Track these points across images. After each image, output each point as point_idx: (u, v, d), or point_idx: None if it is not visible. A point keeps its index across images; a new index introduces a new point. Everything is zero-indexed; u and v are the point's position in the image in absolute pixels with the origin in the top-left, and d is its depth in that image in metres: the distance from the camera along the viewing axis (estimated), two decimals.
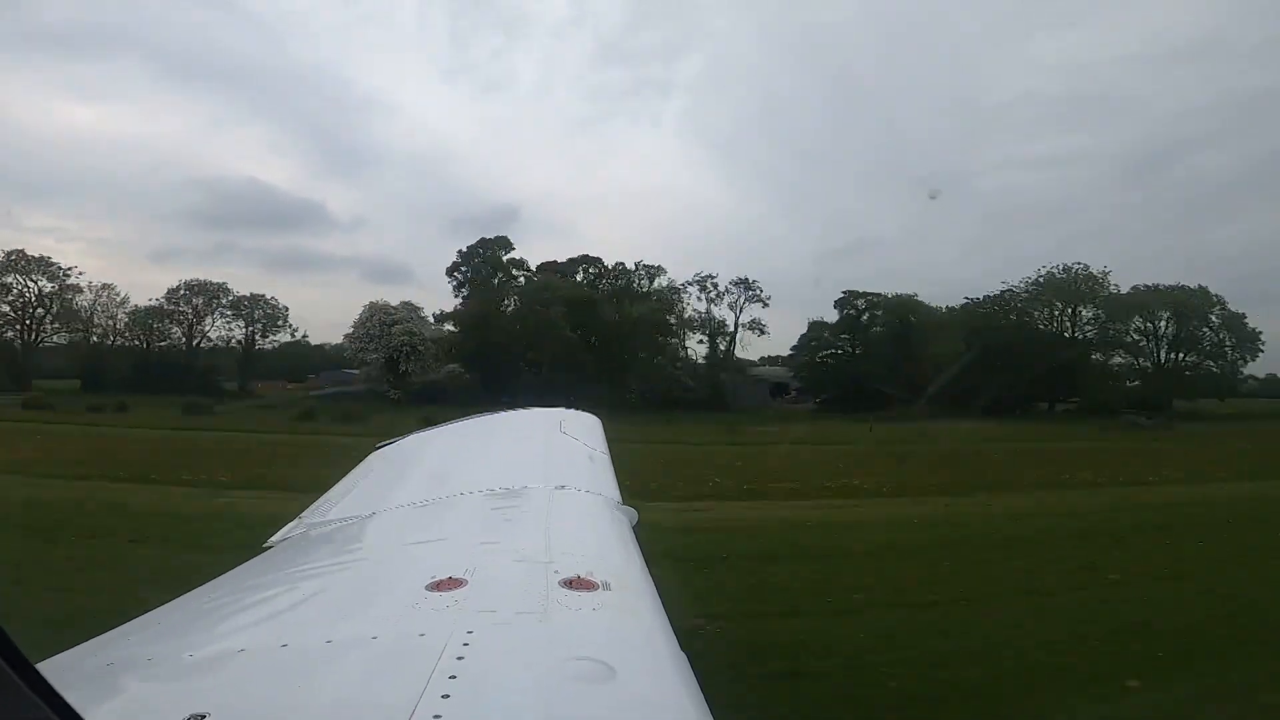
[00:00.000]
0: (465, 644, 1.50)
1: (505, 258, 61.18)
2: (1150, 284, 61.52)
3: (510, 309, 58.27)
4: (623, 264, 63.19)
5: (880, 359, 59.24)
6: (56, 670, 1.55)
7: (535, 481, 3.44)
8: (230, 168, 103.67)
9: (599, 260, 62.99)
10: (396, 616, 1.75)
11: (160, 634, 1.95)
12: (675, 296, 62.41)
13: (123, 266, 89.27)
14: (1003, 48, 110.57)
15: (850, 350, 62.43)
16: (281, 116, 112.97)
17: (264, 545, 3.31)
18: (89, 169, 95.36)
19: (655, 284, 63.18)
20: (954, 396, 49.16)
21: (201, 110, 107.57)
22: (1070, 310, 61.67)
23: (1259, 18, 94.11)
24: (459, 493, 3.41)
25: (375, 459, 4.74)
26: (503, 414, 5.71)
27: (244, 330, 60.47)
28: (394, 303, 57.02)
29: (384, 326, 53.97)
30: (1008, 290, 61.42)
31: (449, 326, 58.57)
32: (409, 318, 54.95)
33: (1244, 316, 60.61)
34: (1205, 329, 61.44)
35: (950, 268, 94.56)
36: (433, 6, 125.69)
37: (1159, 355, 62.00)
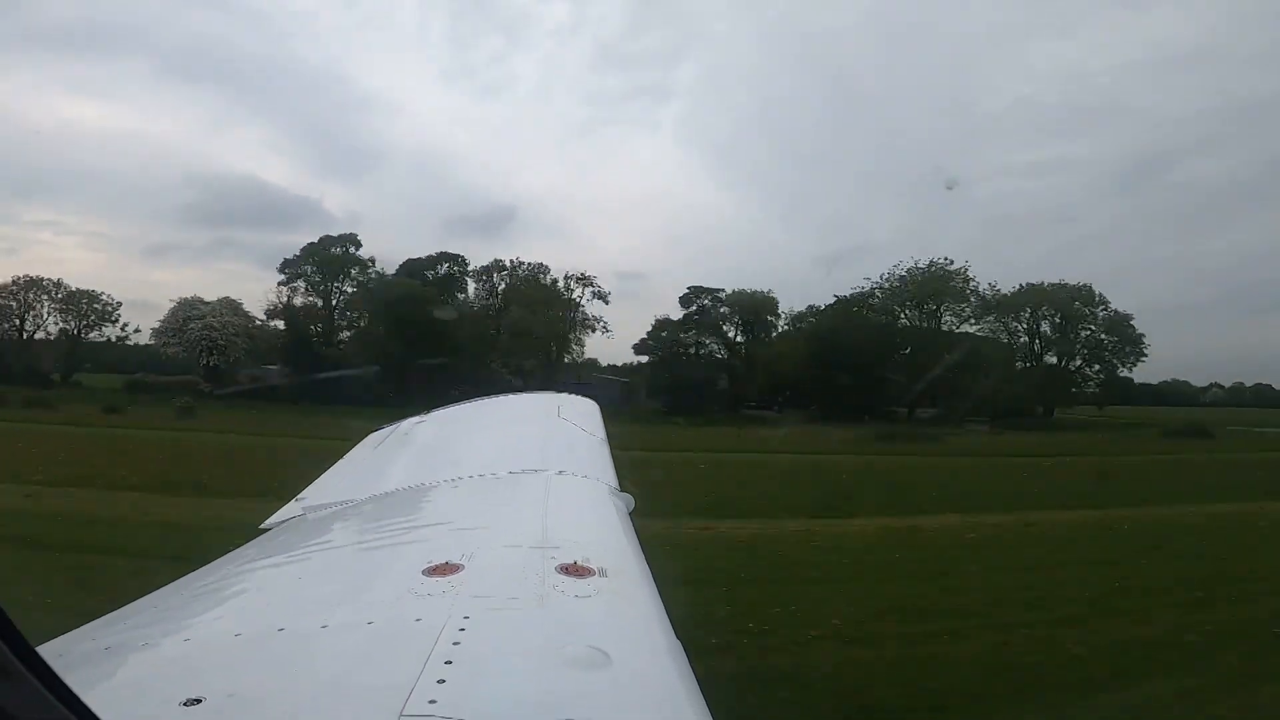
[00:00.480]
0: (461, 629, 1.51)
1: (354, 254, 59.77)
2: (1033, 282, 57.72)
3: (341, 307, 57.77)
4: (500, 261, 61.82)
5: (719, 360, 57.51)
6: (53, 654, 1.55)
7: (533, 466, 3.43)
8: (228, 165, 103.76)
9: (459, 257, 61.64)
10: (393, 601, 1.75)
11: (157, 618, 1.95)
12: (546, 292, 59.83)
13: (119, 262, 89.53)
14: (1001, 54, 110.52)
15: (695, 350, 59.32)
16: (281, 115, 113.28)
17: (260, 527, 3.32)
18: (89, 164, 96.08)
19: (544, 282, 61.15)
20: (813, 399, 48.06)
21: (201, 107, 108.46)
22: (935, 308, 57.78)
23: (1257, 25, 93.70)
24: (456, 477, 3.41)
25: (372, 442, 4.74)
26: (501, 398, 5.71)
27: (73, 324, 59.84)
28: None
29: (186, 321, 53.75)
30: (876, 286, 58.18)
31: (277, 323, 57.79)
32: (221, 312, 54.39)
33: (1130, 318, 57.05)
34: (1085, 330, 57.81)
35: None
36: (434, 9, 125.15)
37: (1034, 357, 57.84)
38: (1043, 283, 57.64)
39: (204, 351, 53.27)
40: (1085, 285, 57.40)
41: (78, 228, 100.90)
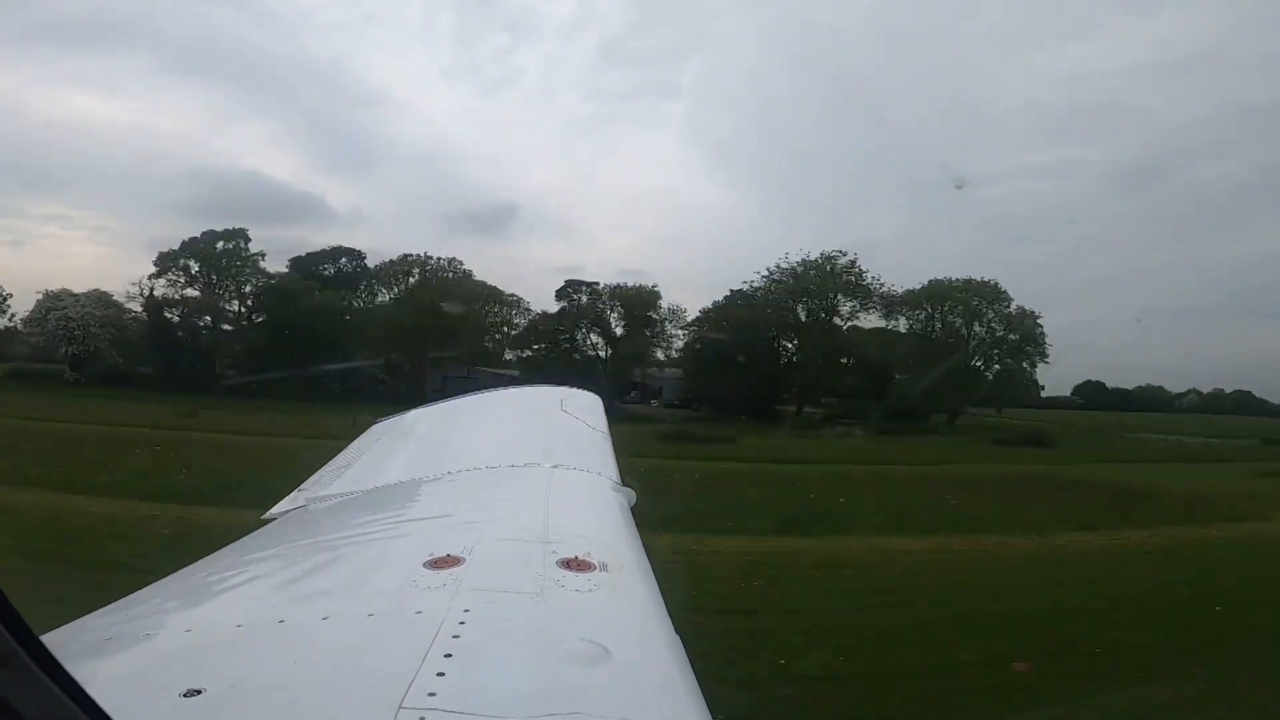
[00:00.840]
0: (462, 622, 1.51)
1: (241, 248, 57.91)
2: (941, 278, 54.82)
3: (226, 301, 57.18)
4: (412, 254, 60.30)
5: (592, 356, 55.81)
6: (54, 644, 1.56)
7: (535, 460, 3.44)
8: (232, 160, 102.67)
9: (354, 251, 60.47)
10: (393, 593, 1.75)
11: (158, 608, 1.96)
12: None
13: (124, 256, 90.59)
14: (1006, 56, 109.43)
15: (569, 344, 57.17)
16: (284, 110, 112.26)
17: (262, 518, 3.32)
18: (97, 158, 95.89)
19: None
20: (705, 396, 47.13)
21: (205, 102, 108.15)
22: (829, 302, 54.51)
23: (1261, 29, 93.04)
24: (459, 470, 3.41)
25: (375, 433, 4.74)
26: (504, 391, 5.72)
27: None
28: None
29: (48, 312, 54.28)
30: (771, 279, 54.97)
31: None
32: (84, 304, 54.44)
33: (1037, 317, 53.98)
34: (986, 328, 54.99)
35: (956, 272, 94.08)
36: (439, 6, 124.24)
37: (928, 355, 52.82)
38: (949, 279, 55.29)
39: (62, 341, 53.96)
40: (992, 281, 54.74)
41: (84, 222, 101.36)
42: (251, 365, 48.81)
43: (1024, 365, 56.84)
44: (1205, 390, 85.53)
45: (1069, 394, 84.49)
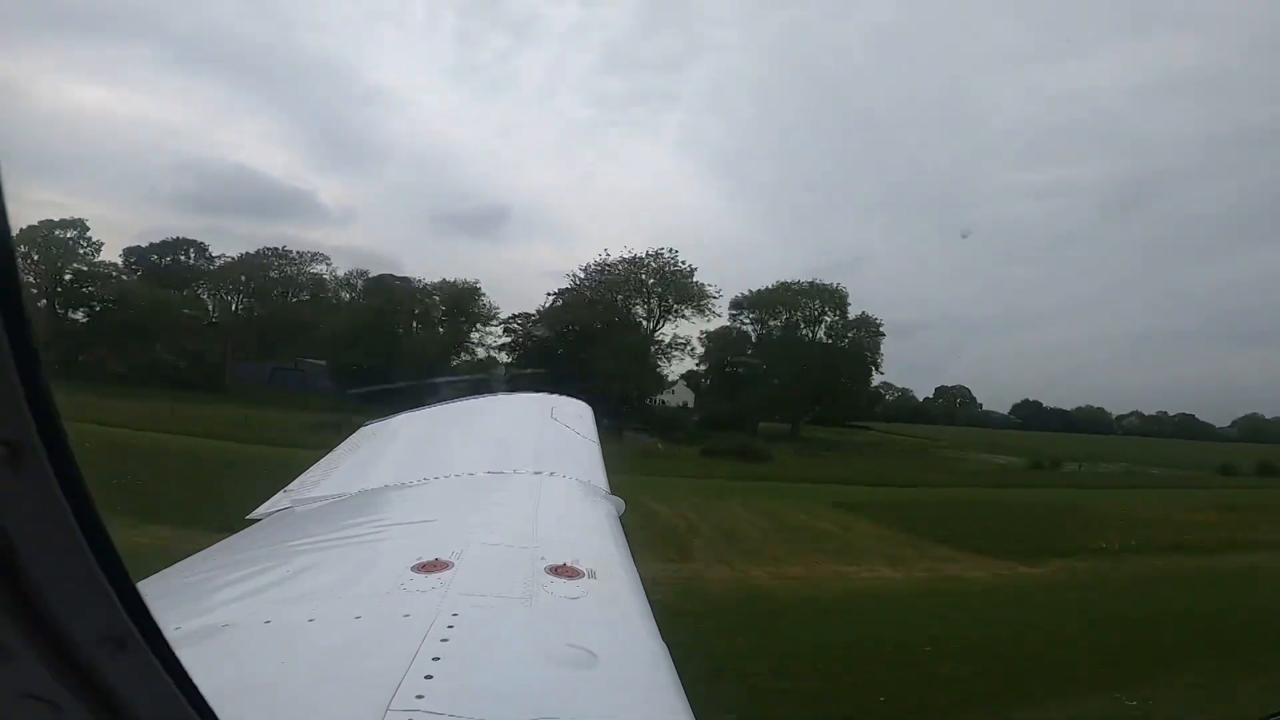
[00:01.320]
0: (450, 626, 1.51)
1: (77, 238, 56.01)
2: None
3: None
4: (276, 249, 58.76)
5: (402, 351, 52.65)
6: None
7: (525, 467, 3.43)
8: (225, 154, 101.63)
9: (198, 244, 59.02)
10: (381, 596, 1.75)
11: None
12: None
13: (111, 246, 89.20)
14: (1003, 74, 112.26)
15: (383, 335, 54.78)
16: (282, 106, 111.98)
17: (248, 518, 3.29)
18: (90, 148, 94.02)
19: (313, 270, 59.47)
20: None
21: (203, 96, 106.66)
22: (656, 303, 51.32)
23: (1254, 55, 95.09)
24: (448, 475, 3.39)
25: (363, 436, 4.72)
26: (494, 397, 5.70)
27: None
28: None
29: None
30: (588, 275, 51.70)
31: None
32: None
33: (879, 324, 51.99)
34: (828, 333, 52.71)
35: (943, 289, 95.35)
36: (442, 6, 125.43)
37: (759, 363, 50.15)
38: (798, 281, 52.87)
39: None
40: (838, 286, 52.36)
41: (76, 210, 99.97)
42: (63, 349, 47.81)
43: (856, 377, 54.23)
44: (1149, 413, 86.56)
45: (1007, 413, 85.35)
